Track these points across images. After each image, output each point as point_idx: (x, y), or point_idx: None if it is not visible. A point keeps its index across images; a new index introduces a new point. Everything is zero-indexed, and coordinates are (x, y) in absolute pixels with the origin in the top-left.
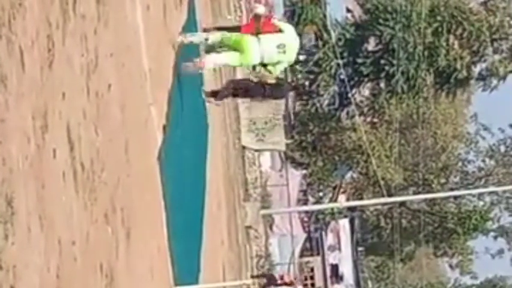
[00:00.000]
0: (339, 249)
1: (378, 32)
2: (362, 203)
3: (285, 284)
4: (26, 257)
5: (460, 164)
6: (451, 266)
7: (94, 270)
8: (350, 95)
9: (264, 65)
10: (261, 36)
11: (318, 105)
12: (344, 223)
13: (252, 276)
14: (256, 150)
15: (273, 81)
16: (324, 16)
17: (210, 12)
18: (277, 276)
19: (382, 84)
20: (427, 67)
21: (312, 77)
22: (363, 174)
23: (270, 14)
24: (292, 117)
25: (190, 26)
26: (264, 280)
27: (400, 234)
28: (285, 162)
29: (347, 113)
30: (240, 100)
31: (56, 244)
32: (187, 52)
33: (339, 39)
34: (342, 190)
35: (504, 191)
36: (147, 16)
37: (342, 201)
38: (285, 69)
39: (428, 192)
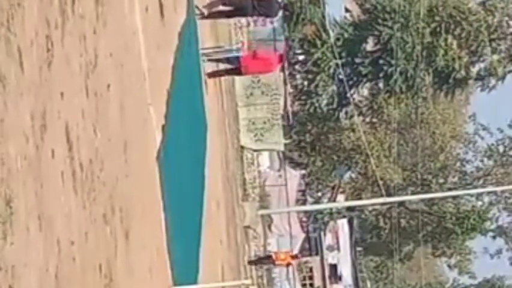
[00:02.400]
0: (338, 249)
1: (377, 32)
2: (360, 203)
3: (282, 262)
4: (25, 257)
5: (458, 164)
6: (449, 266)
7: (92, 270)
8: (348, 95)
9: None
10: None
11: (316, 105)
12: (343, 223)
13: (250, 262)
14: (255, 150)
15: None
16: (323, 16)
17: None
18: (273, 256)
19: (381, 84)
20: (426, 67)
21: (310, 76)
22: (362, 174)
23: None
24: (290, 117)
25: (190, 26)
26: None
27: (399, 234)
28: (283, 162)
29: (346, 113)
30: (232, 20)
31: (54, 244)
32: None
33: (338, 39)
34: (340, 190)
35: (503, 191)
36: (146, 16)
37: (341, 201)
38: None
39: (427, 192)
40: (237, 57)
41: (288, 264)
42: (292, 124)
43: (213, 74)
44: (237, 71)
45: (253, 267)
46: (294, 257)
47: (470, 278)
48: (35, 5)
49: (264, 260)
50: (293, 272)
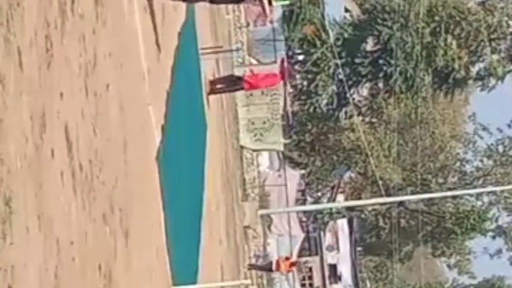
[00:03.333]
0: (338, 249)
1: (377, 32)
2: (360, 203)
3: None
4: (25, 257)
5: (458, 163)
6: (449, 266)
7: (92, 270)
8: (348, 94)
9: None
10: None
11: (316, 105)
12: (343, 223)
13: (250, 266)
14: (255, 150)
15: None
16: (323, 16)
17: (209, 12)
18: (274, 263)
19: (380, 84)
20: (425, 67)
21: (310, 76)
22: (362, 174)
23: None
24: (290, 117)
25: (189, 26)
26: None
27: (398, 234)
28: (283, 162)
29: (345, 113)
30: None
31: (54, 244)
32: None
33: (338, 39)
34: (340, 190)
35: (502, 191)
36: (145, 17)
37: (341, 201)
38: None
39: (426, 192)
40: (240, 79)
41: (288, 271)
42: (292, 124)
43: (213, 91)
44: (239, 88)
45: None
46: (294, 263)
47: (469, 278)
48: (34, 5)
49: (265, 268)
50: (293, 272)
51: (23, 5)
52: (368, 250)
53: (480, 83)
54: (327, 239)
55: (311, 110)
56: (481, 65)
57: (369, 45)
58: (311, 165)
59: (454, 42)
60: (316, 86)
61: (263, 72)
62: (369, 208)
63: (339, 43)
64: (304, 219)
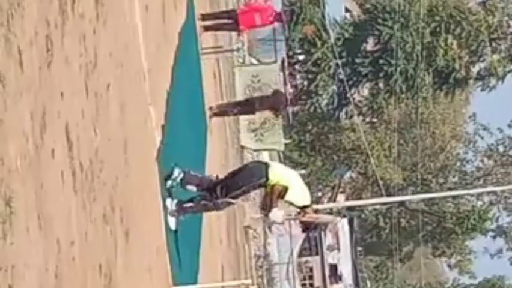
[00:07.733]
0: (338, 249)
1: (377, 32)
2: (360, 203)
3: None
4: (25, 257)
5: (458, 163)
6: (449, 266)
7: (92, 270)
8: (348, 94)
9: None
10: None
11: (316, 105)
12: (343, 223)
13: None
14: (255, 150)
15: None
16: (323, 16)
17: (209, 11)
18: None
19: (381, 84)
20: (426, 67)
21: (311, 76)
22: (362, 174)
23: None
24: (291, 117)
25: (190, 26)
26: None
27: (399, 234)
28: (283, 162)
29: (346, 113)
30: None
31: (54, 244)
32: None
33: (338, 39)
34: (341, 190)
35: (502, 191)
36: (146, 16)
37: (341, 201)
38: None
39: (427, 192)
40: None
41: None
42: (292, 124)
43: (210, 27)
44: (234, 25)
45: (253, 266)
46: None
47: (470, 277)
48: (34, 4)
49: None
50: (293, 272)
51: (23, 4)
52: (369, 250)
53: (480, 83)
54: (328, 239)
55: (312, 110)
56: (482, 65)
57: (370, 45)
58: (312, 165)
59: (455, 42)
60: (317, 85)
61: (257, 5)
62: (370, 208)
63: (339, 43)
64: None
